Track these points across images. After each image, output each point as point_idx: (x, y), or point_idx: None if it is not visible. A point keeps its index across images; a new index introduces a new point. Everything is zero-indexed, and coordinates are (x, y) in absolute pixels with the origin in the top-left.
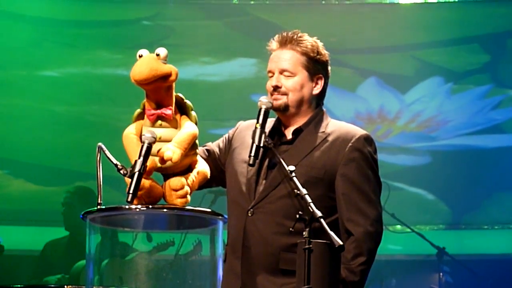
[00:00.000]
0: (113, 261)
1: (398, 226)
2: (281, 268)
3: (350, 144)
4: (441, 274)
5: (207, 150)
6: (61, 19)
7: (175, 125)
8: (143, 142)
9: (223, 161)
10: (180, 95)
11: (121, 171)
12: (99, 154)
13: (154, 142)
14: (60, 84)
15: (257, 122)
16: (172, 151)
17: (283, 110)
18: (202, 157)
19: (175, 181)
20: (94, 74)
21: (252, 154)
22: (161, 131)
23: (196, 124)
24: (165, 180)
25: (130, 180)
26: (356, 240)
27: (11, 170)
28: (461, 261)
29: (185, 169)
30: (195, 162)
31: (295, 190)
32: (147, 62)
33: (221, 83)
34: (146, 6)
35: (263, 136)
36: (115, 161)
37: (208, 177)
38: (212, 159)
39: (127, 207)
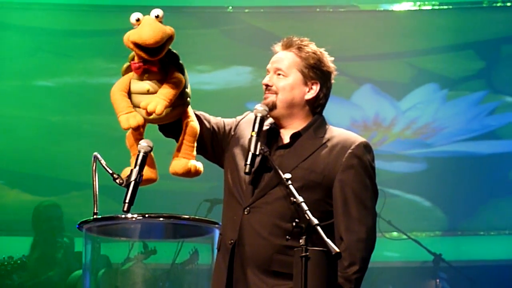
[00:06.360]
0: (110, 270)
1: (395, 233)
2: (273, 270)
3: (349, 151)
4: (437, 280)
5: (209, 118)
6: (55, 29)
7: (163, 76)
8: (138, 151)
9: (221, 136)
10: None
11: (117, 181)
12: (94, 164)
13: (150, 151)
14: (55, 94)
15: (253, 130)
16: (155, 103)
17: (270, 108)
18: (202, 119)
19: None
20: (90, 83)
21: (248, 162)
22: (149, 84)
23: (183, 74)
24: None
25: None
26: (350, 248)
27: (6, 180)
28: (458, 267)
29: (176, 121)
30: (186, 112)
31: (292, 198)
32: (155, 25)
33: (216, 91)
34: None
35: (258, 144)
36: (111, 171)
37: (197, 132)
38: (212, 126)
39: (123, 216)
